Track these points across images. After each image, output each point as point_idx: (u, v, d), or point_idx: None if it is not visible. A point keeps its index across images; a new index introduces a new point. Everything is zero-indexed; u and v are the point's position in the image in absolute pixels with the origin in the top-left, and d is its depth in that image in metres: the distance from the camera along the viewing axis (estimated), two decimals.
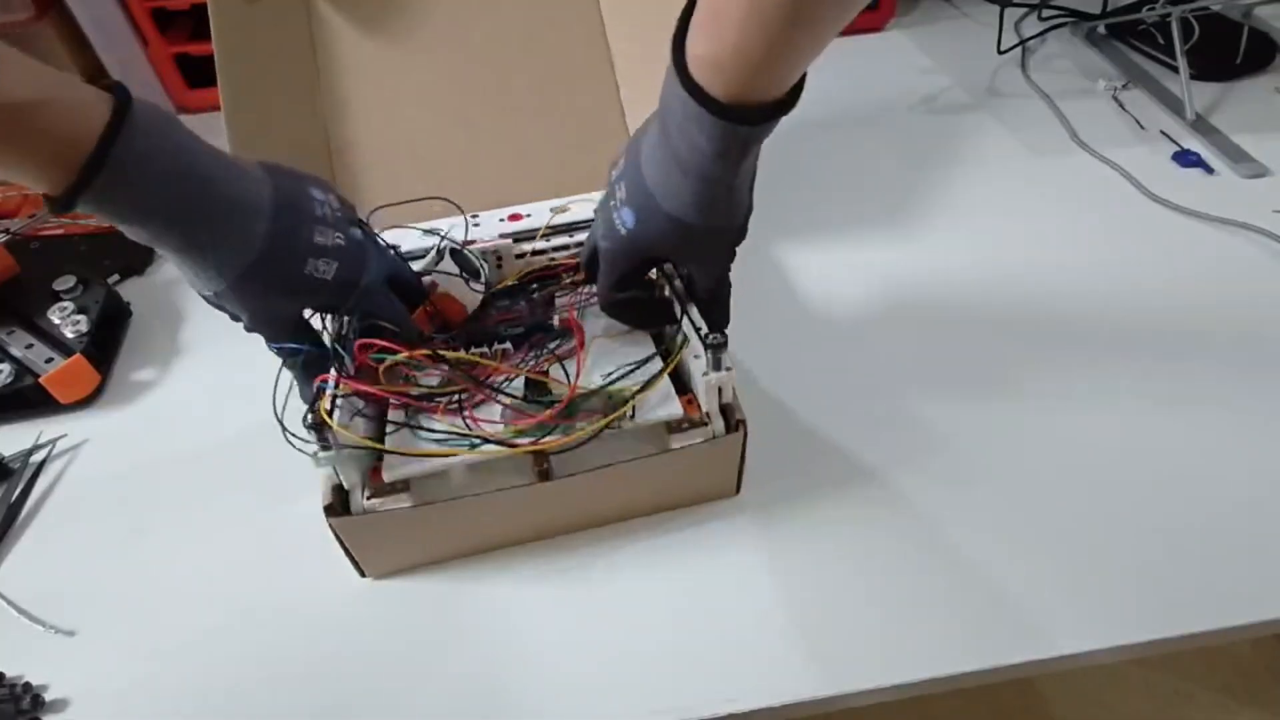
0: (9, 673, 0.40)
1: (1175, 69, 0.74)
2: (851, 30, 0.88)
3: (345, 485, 0.39)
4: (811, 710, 0.38)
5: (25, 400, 0.52)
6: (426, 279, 0.47)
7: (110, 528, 0.47)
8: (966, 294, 0.58)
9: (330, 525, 0.39)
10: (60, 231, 0.66)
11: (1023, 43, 0.84)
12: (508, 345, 0.46)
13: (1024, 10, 0.88)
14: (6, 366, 0.52)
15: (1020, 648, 0.39)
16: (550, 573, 0.43)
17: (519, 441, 0.40)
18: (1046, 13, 0.88)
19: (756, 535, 0.44)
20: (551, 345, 0.45)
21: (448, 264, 0.49)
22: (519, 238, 0.51)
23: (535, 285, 0.50)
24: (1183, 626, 0.39)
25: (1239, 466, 0.46)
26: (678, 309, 0.45)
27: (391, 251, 0.46)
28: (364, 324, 0.41)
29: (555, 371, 0.44)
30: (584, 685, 0.39)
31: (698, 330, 0.42)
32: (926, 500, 0.45)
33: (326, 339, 0.43)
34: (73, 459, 0.51)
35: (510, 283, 0.51)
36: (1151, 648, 0.40)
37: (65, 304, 0.55)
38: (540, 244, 0.51)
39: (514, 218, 0.53)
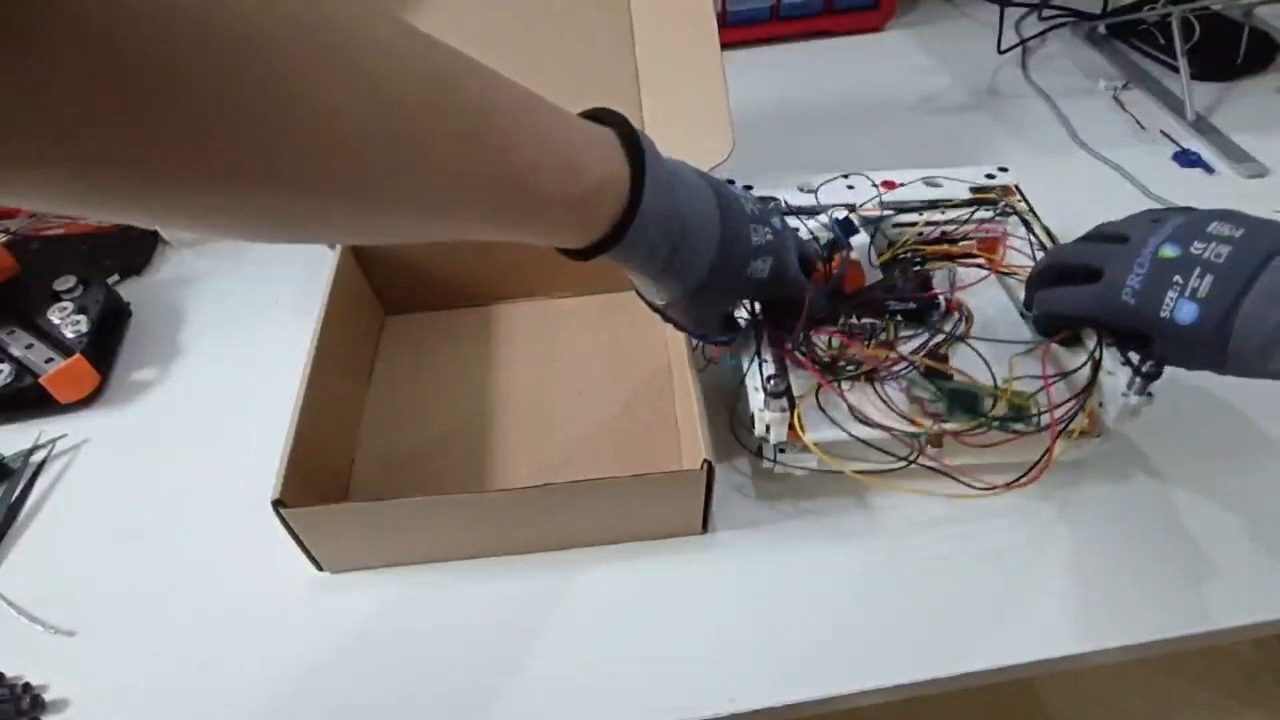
0: (9, 673, 0.40)
1: (1176, 69, 0.74)
2: (851, 30, 0.89)
3: (772, 439, 0.42)
4: (811, 710, 0.38)
5: (25, 400, 0.52)
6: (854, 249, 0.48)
7: (110, 528, 0.47)
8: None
9: (281, 517, 0.39)
10: (60, 231, 0.66)
11: (1023, 42, 0.84)
12: (899, 319, 0.47)
13: (1024, 10, 0.88)
14: (6, 366, 0.52)
15: (1020, 648, 0.39)
16: (533, 573, 0.43)
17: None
18: (1047, 12, 0.88)
19: (750, 538, 0.44)
20: (938, 324, 0.47)
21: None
22: (896, 208, 0.53)
23: (919, 260, 0.52)
24: (1183, 627, 0.39)
25: (1237, 466, 0.46)
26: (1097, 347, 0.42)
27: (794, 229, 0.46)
28: (766, 302, 0.43)
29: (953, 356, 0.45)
30: (582, 685, 0.39)
31: (1131, 362, 0.40)
32: (927, 503, 0.45)
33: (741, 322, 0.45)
34: (73, 459, 0.51)
35: (902, 254, 0.52)
36: (1151, 648, 0.40)
37: (65, 304, 0.55)
38: (913, 217, 0.53)
39: (887, 185, 0.54)
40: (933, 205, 0.54)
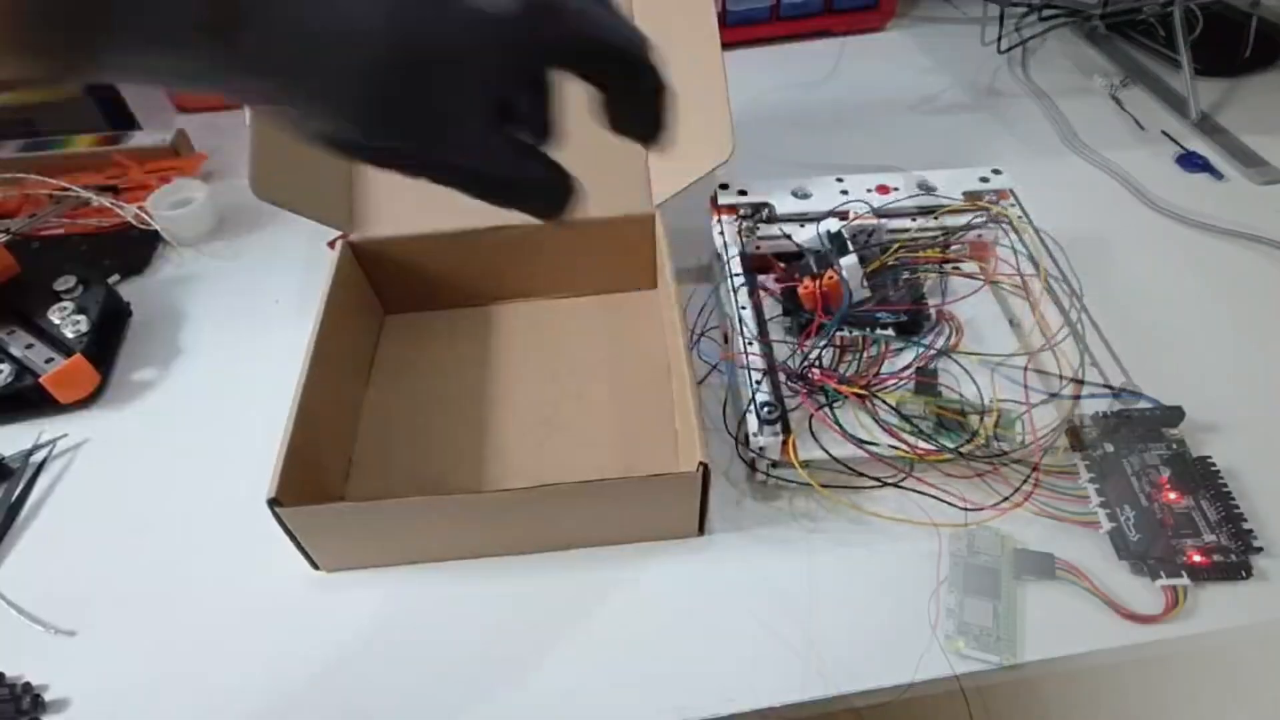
0: (9, 673, 0.40)
1: (1178, 64, 0.72)
2: (851, 30, 0.89)
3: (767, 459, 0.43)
4: (812, 711, 0.38)
5: (25, 400, 0.51)
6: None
7: (110, 528, 0.47)
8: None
9: (277, 516, 0.39)
10: (60, 231, 0.66)
11: (1023, 42, 0.83)
12: (889, 331, 0.49)
13: (1024, 9, 0.88)
14: (6, 366, 0.52)
15: (1020, 650, 0.39)
16: (530, 574, 0.43)
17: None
18: (1047, 11, 0.86)
19: (747, 540, 0.44)
20: (928, 338, 0.49)
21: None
22: (889, 214, 0.53)
23: (907, 271, 0.52)
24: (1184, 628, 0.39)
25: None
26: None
27: None
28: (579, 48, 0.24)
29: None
30: (580, 685, 0.39)
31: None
32: (923, 503, 0.45)
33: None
34: (73, 459, 0.51)
35: (889, 262, 0.52)
36: (1146, 649, 0.40)
37: (65, 304, 0.55)
38: (905, 223, 0.53)
39: (881, 189, 0.54)
40: (925, 212, 0.54)
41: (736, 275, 0.50)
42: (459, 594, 0.43)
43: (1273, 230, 0.58)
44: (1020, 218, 0.53)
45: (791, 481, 0.45)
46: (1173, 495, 0.42)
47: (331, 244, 0.54)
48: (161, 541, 0.46)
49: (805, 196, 0.54)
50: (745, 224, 0.54)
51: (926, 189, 0.55)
